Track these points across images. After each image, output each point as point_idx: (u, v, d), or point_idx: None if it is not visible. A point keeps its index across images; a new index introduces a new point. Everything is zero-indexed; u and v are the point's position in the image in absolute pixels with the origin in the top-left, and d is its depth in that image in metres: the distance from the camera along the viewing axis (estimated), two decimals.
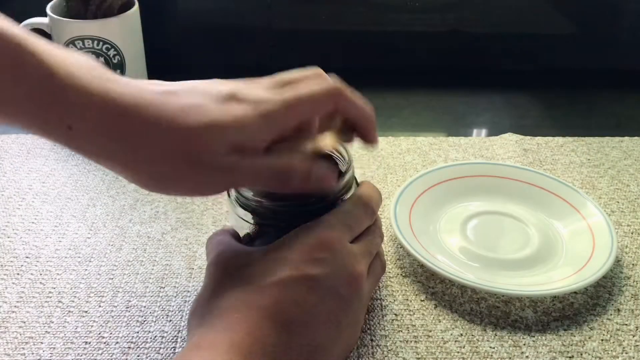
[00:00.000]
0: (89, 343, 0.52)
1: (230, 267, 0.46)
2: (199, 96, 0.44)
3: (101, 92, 0.41)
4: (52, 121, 0.41)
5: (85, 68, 0.42)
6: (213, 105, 0.43)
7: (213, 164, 0.43)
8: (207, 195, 0.46)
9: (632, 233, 0.66)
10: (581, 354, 0.52)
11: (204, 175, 0.43)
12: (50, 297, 0.57)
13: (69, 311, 0.55)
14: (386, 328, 0.54)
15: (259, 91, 0.46)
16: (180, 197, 0.44)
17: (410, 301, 0.57)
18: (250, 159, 0.44)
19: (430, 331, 0.54)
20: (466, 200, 0.67)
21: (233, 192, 0.53)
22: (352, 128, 0.51)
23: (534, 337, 0.53)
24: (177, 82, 0.46)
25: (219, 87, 0.46)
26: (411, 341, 0.53)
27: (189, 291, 0.57)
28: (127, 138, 0.42)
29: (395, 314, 0.55)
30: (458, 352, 0.52)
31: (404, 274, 0.60)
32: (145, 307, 0.56)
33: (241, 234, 0.53)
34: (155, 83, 0.45)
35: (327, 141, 0.56)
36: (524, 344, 0.52)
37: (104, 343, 0.52)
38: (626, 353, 0.52)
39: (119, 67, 0.85)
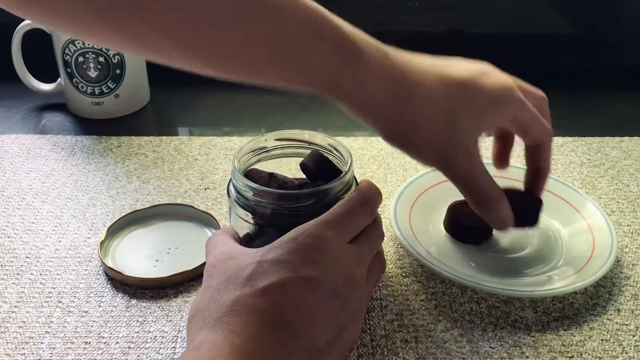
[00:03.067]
0: (89, 343, 0.52)
1: (229, 269, 0.45)
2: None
3: (376, 48, 0.48)
4: (347, 77, 0.46)
5: (364, 36, 0.48)
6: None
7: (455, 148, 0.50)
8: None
9: (632, 233, 0.66)
10: (581, 354, 0.52)
11: (447, 146, 0.50)
12: (50, 297, 0.57)
13: (69, 311, 0.55)
14: (386, 328, 0.54)
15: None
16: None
17: (410, 301, 0.57)
18: (478, 161, 0.51)
19: (430, 331, 0.54)
20: None
21: (233, 192, 0.53)
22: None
23: (534, 337, 0.53)
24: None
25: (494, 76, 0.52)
26: (411, 341, 0.53)
27: (189, 291, 0.57)
28: (399, 100, 0.48)
29: (395, 314, 0.55)
30: (458, 352, 0.52)
31: (404, 274, 0.60)
32: (145, 307, 0.56)
33: (241, 234, 0.53)
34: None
35: (324, 139, 0.56)
36: (524, 344, 0.52)
37: (104, 343, 0.52)
38: (626, 353, 0.52)
39: (119, 67, 0.85)
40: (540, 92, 0.57)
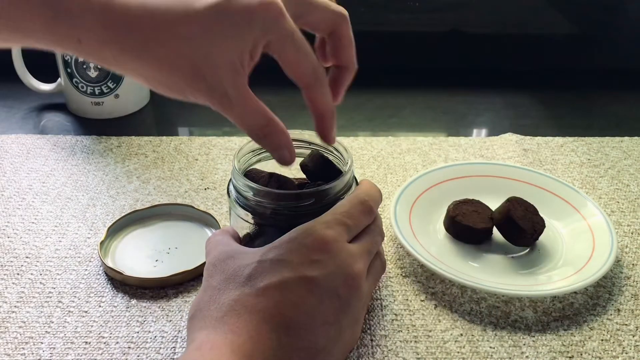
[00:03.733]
0: (89, 343, 0.52)
1: (229, 269, 0.45)
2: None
3: (101, 1, 0.41)
4: (63, 36, 0.42)
5: None
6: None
7: (213, 86, 0.44)
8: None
9: (632, 233, 0.66)
10: (581, 354, 0.52)
11: (204, 92, 0.45)
12: (50, 297, 0.57)
13: (69, 311, 0.55)
14: (386, 328, 0.54)
15: None
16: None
17: (410, 301, 0.57)
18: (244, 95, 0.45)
19: (430, 331, 0.54)
20: None
21: (233, 192, 0.53)
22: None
23: (534, 337, 0.53)
24: None
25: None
26: (411, 341, 0.53)
27: (189, 291, 0.57)
28: (133, 49, 0.42)
29: (395, 314, 0.55)
30: (458, 352, 0.52)
31: (404, 274, 0.60)
32: (145, 307, 0.56)
33: (241, 234, 0.53)
34: None
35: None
36: (524, 344, 0.52)
37: (104, 343, 0.52)
38: (626, 353, 0.52)
39: None
40: (336, 7, 0.49)
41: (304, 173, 0.56)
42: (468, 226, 0.61)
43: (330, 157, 0.56)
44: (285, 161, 0.48)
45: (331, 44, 0.50)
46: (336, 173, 0.53)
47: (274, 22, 0.44)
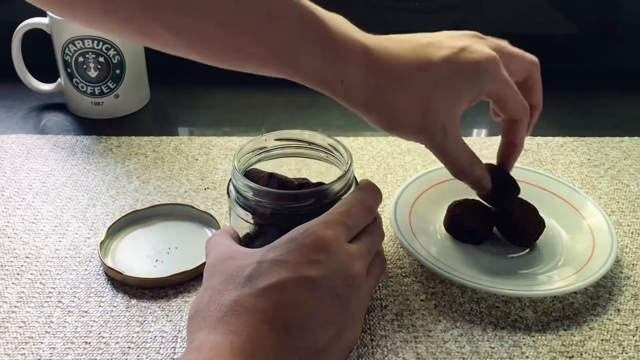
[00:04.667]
0: (89, 343, 0.52)
1: (229, 269, 0.45)
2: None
3: (360, 47, 0.50)
4: (334, 77, 0.49)
5: (342, 22, 0.50)
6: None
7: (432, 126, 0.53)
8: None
9: (632, 233, 0.66)
10: (581, 354, 0.52)
11: (426, 129, 0.53)
12: (50, 297, 0.57)
13: (69, 311, 0.55)
14: (386, 328, 0.54)
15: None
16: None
17: (410, 301, 0.57)
18: (454, 136, 0.55)
19: (430, 331, 0.54)
20: None
21: (233, 192, 0.53)
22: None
23: (534, 337, 0.53)
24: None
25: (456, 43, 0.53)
26: (411, 341, 0.53)
27: (189, 291, 0.57)
28: (383, 92, 0.51)
29: (395, 314, 0.55)
30: (458, 352, 0.52)
31: (404, 274, 0.60)
32: (145, 307, 0.56)
33: (241, 234, 0.53)
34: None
35: (324, 139, 0.56)
36: (524, 344, 0.52)
37: (104, 343, 0.52)
38: (626, 353, 0.52)
39: (119, 67, 0.85)
40: (530, 57, 0.59)
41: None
42: (468, 226, 0.61)
43: (330, 158, 0.56)
44: (487, 190, 0.59)
45: (524, 87, 0.58)
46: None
47: (496, 74, 0.53)
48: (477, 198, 0.64)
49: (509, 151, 0.60)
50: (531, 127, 0.60)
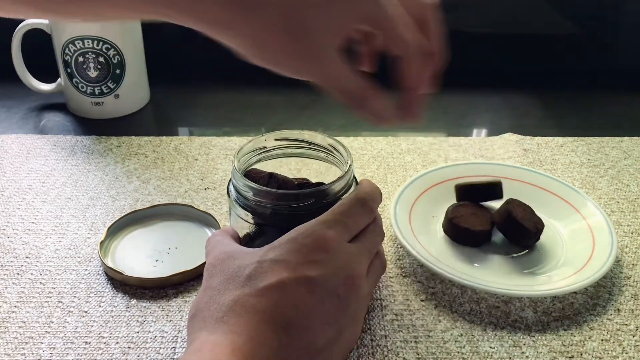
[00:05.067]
0: (89, 343, 0.52)
1: (229, 269, 0.45)
2: None
3: None
4: None
5: None
6: None
7: (313, 45, 0.44)
8: (300, 77, 0.47)
9: (632, 233, 0.66)
10: (581, 354, 0.52)
11: (302, 54, 0.45)
12: (50, 297, 0.57)
13: (69, 311, 0.55)
14: (386, 328, 0.54)
15: None
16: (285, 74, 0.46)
17: (411, 301, 0.57)
18: (342, 61, 0.45)
19: (431, 331, 0.54)
20: None
21: (233, 192, 0.53)
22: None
23: (534, 337, 0.53)
24: None
25: None
26: (411, 341, 0.53)
27: (189, 291, 0.57)
28: (241, 7, 0.42)
29: (396, 314, 0.55)
30: (458, 352, 0.52)
31: (404, 274, 0.60)
32: (145, 307, 0.56)
33: (241, 234, 0.53)
34: None
35: (324, 139, 0.56)
36: (524, 344, 0.52)
37: (104, 343, 0.52)
38: (626, 353, 0.52)
39: (119, 67, 0.85)
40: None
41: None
42: (466, 229, 0.61)
43: (330, 158, 0.56)
44: (385, 121, 0.50)
45: (398, 65, 0.50)
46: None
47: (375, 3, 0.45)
48: (475, 201, 0.64)
49: (407, 97, 0.50)
50: (434, 79, 0.52)
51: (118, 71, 0.85)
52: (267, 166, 0.57)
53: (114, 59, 0.84)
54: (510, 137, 0.83)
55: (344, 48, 0.46)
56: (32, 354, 0.51)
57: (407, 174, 0.75)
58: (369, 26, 0.47)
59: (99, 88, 0.85)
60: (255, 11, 0.43)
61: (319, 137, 0.56)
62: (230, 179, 0.54)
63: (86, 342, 0.52)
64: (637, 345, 0.53)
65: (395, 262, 0.61)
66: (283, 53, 0.44)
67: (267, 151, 0.57)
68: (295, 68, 0.46)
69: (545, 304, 0.56)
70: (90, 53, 0.83)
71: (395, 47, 0.47)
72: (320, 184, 0.56)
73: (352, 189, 0.53)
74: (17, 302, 0.56)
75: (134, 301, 0.56)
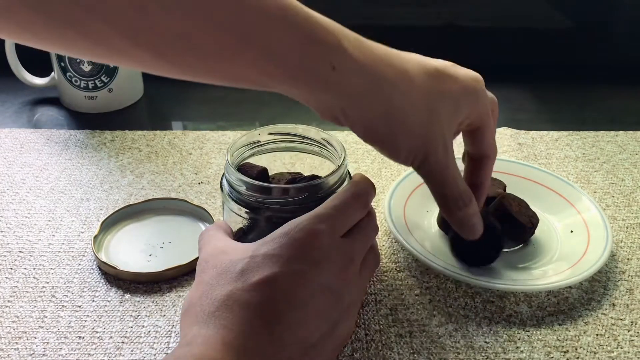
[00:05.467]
0: (83, 338, 0.52)
1: (222, 264, 0.45)
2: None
3: (359, 43, 0.45)
4: (323, 63, 0.43)
5: (339, 26, 0.45)
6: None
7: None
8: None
9: (627, 227, 0.66)
10: (576, 349, 0.52)
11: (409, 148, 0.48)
12: (44, 291, 0.56)
13: (63, 306, 0.55)
14: (380, 323, 0.54)
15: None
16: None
17: (405, 296, 0.57)
18: (453, 157, 0.50)
19: (425, 326, 0.54)
20: None
21: (226, 186, 0.52)
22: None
23: (528, 331, 0.53)
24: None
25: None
26: (405, 336, 0.53)
27: (182, 286, 0.57)
28: (379, 89, 0.45)
29: (390, 309, 0.55)
30: (453, 347, 0.52)
31: (398, 269, 0.60)
32: (138, 301, 0.55)
33: (234, 228, 0.53)
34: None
35: (318, 133, 0.56)
36: (519, 339, 0.52)
37: (98, 338, 0.52)
38: (621, 348, 0.52)
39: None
40: (492, 95, 0.54)
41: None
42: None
43: (324, 152, 0.56)
44: (477, 233, 0.53)
45: (476, 164, 0.56)
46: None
47: (485, 95, 0.51)
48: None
49: (476, 194, 0.53)
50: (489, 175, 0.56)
51: (112, 65, 0.85)
52: (260, 160, 0.57)
53: None
54: (505, 131, 0.83)
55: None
56: (26, 348, 0.51)
57: (401, 168, 0.74)
58: (472, 126, 0.52)
59: (92, 82, 0.85)
60: (399, 87, 0.46)
61: (312, 131, 0.56)
62: (224, 173, 0.54)
63: (80, 337, 0.52)
64: (632, 340, 0.53)
65: (389, 257, 0.61)
66: (408, 132, 0.47)
67: (261, 145, 0.57)
68: (412, 151, 0.48)
69: (540, 299, 0.56)
70: None
71: (487, 147, 0.54)
72: (314, 177, 0.56)
73: (346, 183, 0.53)
74: (11, 296, 0.56)
75: (127, 296, 0.56)
